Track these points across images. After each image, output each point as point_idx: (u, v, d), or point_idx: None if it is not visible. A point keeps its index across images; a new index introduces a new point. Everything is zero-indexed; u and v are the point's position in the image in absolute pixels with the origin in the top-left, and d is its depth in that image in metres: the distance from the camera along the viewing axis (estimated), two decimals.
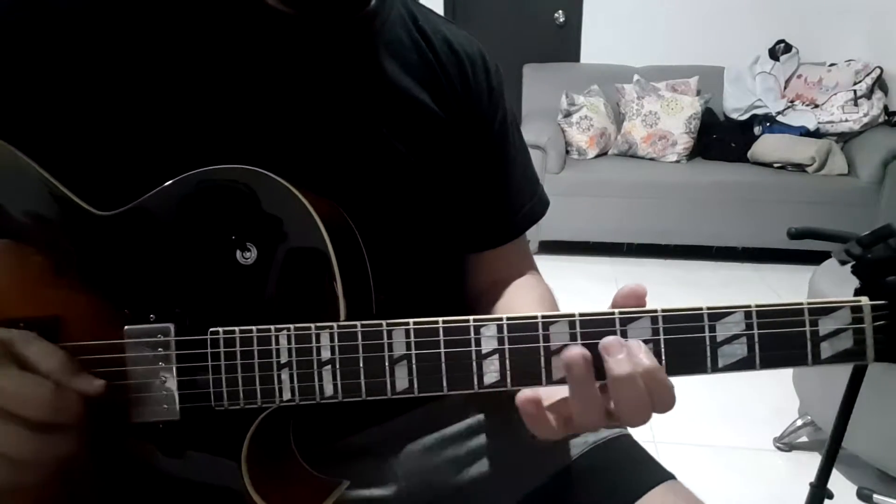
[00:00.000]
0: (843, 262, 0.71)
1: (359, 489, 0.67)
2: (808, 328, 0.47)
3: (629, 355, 0.47)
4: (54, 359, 0.48)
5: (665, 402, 0.48)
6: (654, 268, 3.38)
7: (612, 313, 0.48)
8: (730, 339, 0.47)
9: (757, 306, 0.47)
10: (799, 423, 1.87)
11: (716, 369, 0.48)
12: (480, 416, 0.73)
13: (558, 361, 0.48)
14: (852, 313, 0.47)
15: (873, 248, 0.61)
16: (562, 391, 0.49)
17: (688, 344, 0.48)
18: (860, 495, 1.52)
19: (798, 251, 3.05)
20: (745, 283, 3.16)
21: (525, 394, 0.49)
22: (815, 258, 2.00)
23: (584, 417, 0.48)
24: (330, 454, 0.66)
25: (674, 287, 3.11)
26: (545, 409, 0.49)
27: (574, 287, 2.86)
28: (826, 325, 0.47)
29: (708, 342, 0.47)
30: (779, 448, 1.89)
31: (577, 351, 0.47)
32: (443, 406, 0.72)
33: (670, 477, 0.66)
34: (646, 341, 0.48)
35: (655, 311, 0.48)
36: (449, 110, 0.68)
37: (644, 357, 0.47)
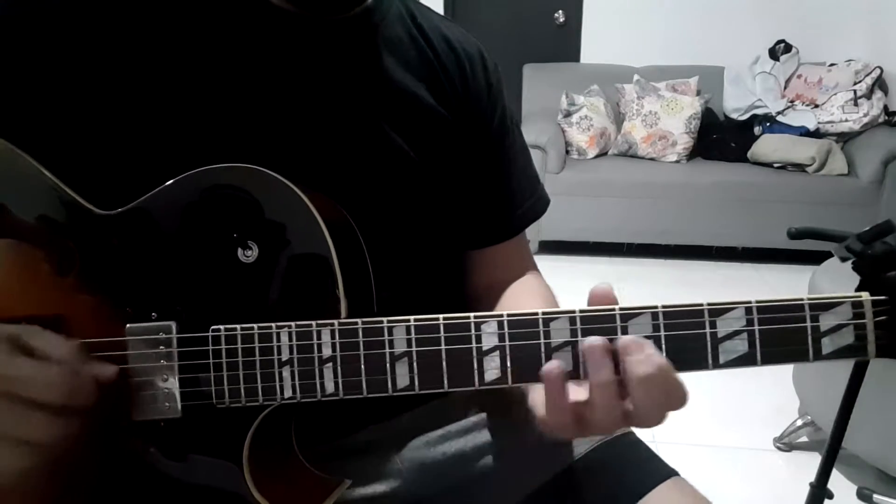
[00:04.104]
0: (843, 259, 0.71)
1: (361, 487, 0.67)
2: (808, 324, 0.47)
3: (647, 355, 0.46)
4: (64, 347, 0.49)
5: (680, 398, 0.47)
6: (654, 268, 3.38)
7: (613, 309, 0.48)
8: (731, 335, 0.47)
9: (757, 302, 0.47)
10: (799, 423, 1.87)
11: (717, 365, 0.48)
12: (483, 415, 0.73)
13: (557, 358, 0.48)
14: (853, 309, 0.47)
15: (873, 244, 0.61)
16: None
17: (688, 340, 0.48)
18: (860, 495, 1.52)
19: (798, 251, 3.05)
20: (745, 283, 3.16)
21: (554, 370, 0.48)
22: (815, 258, 2.00)
23: (603, 416, 0.47)
24: (331, 453, 0.66)
25: (674, 287, 3.11)
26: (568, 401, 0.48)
27: (574, 287, 2.85)
28: (827, 321, 0.47)
29: (709, 338, 0.47)
30: (779, 448, 1.89)
31: (597, 343, 0.47)
32: (444, 403, 0.72)
33: (674, 473, 0.66)
34: (646, 338, 0.48)
35: (656, 307, 0.48)
36: (448, 107, 0.68)
37: (657, 356, 0.46)
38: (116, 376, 0.50)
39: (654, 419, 0.48)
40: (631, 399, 0.47)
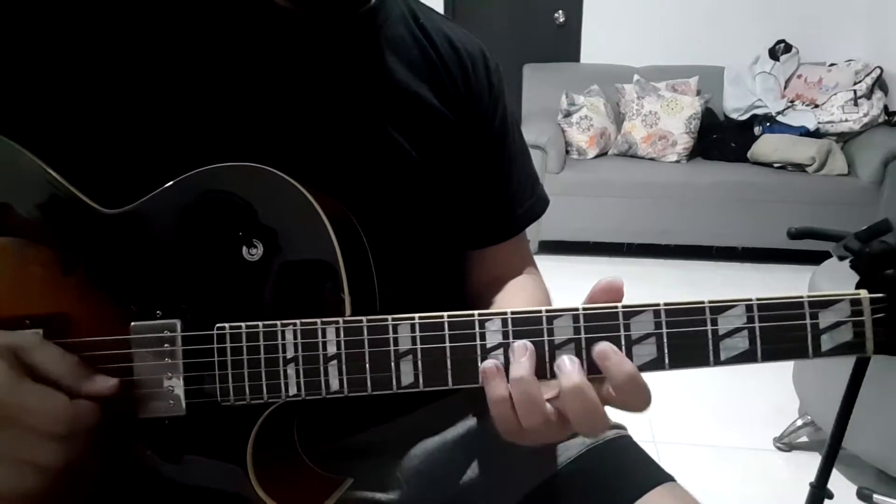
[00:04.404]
0: (841, 258, 0.71)
1: (362, 488, 0.68)
2: (808, 321, 0.47)
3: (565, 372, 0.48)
4: (65, 364, 0.49)
5: (639, 404, 0.48)
6: (654, 268, 3.38)
7: (616, 307, 0.49)
8: (731, 333, 0.48)
9: (758, 300, 0.48)
10: (799, 423, 1.87)
11: (718, 362, 0.48)
12: (478, 419, 0.73)
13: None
14: (851, 306, 0.47)
15: (871, 243, 0.61)
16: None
17: (690, 337, 0.48)
18: (860, 495, 1.52)
19: (798, 251, 3.05)
20: (745, 283, 3.16)
21: (496, 391, 0.49)
22: (815, 258, 2.01)
23: (528, 420, 0.49)
24: (334, 452, 0.66)
25: (674, 287, 3.11)
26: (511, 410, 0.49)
27: (574, 287, 2.86)
28: (826, 318, 0.47)
29: (710, 335, 0.48)
30: (779, 448, 1.90)
31: (490, 363, 0.49)
32: (446, 405, 0.72)
33: (669, 479, 0.65)
34: (648, 335, 0.48)
35: (658, 304, 0.48)
36: (451, 107, 0.69)
37: (569, 376, 0.47)
38: (120, 388, 0.50)
39: (589, 431, 0.49)
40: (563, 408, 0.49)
